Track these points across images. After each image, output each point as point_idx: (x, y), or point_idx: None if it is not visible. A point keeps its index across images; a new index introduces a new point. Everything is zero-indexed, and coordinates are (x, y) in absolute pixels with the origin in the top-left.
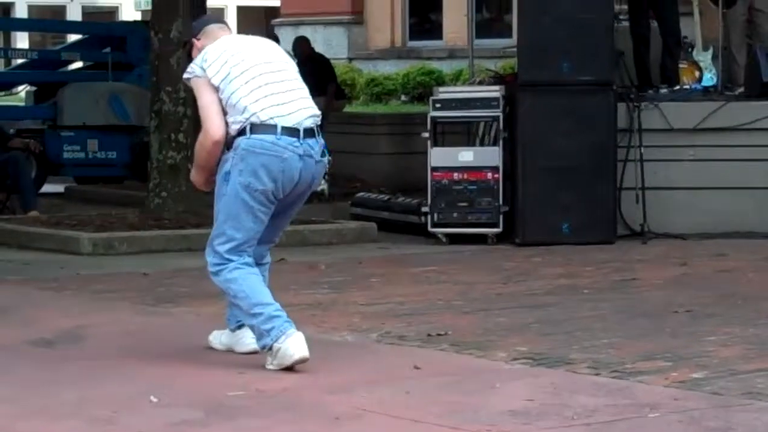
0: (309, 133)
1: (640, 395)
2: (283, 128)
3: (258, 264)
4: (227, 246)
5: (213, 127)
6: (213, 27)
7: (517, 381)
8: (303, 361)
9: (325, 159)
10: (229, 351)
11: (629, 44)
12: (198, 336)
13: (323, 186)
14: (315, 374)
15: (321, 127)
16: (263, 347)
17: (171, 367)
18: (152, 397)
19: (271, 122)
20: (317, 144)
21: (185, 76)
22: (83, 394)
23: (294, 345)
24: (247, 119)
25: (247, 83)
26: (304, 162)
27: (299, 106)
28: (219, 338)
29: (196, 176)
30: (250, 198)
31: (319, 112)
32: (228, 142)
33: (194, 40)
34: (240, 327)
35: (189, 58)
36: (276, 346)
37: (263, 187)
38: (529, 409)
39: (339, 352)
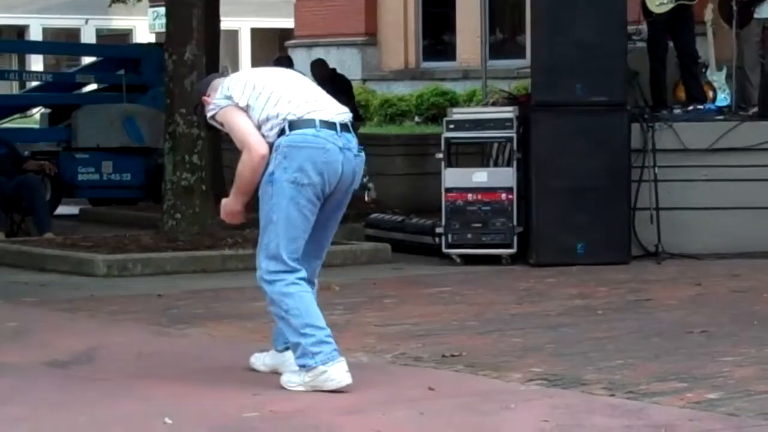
0: (344, 127)
1: (656, 416)
2: (321, 121)
3: (309, 281)
4: (282, 245)
5: (256, 142)
6: (220, 80)
7: (532, 402)
8: (344, 389)
9: (363, 154)
10: (274, 372)
11: (643, 65)
12: (212, 357)
13: (370, 187)
14: (329, 395)
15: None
16: (302, 366)
17: (185, 388)
18: (166, 419)
19: (309, 117)
20: (353, 138)
21: (209, 114)
22: (97, 415)
23: (340, 372)
24: (284, 119)
25: (275, 92)
26: (344, 155)
27: (330, 104)
28: (262, 360)
29: (234, 204)
30: (297, 194)
31: (348, 110)
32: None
33: (204, 97)
34: (287, 348)
35: (203, 120)
36: (322, 368)
37: (309, 181)
38: (545, 431)
39: (353, 374)
